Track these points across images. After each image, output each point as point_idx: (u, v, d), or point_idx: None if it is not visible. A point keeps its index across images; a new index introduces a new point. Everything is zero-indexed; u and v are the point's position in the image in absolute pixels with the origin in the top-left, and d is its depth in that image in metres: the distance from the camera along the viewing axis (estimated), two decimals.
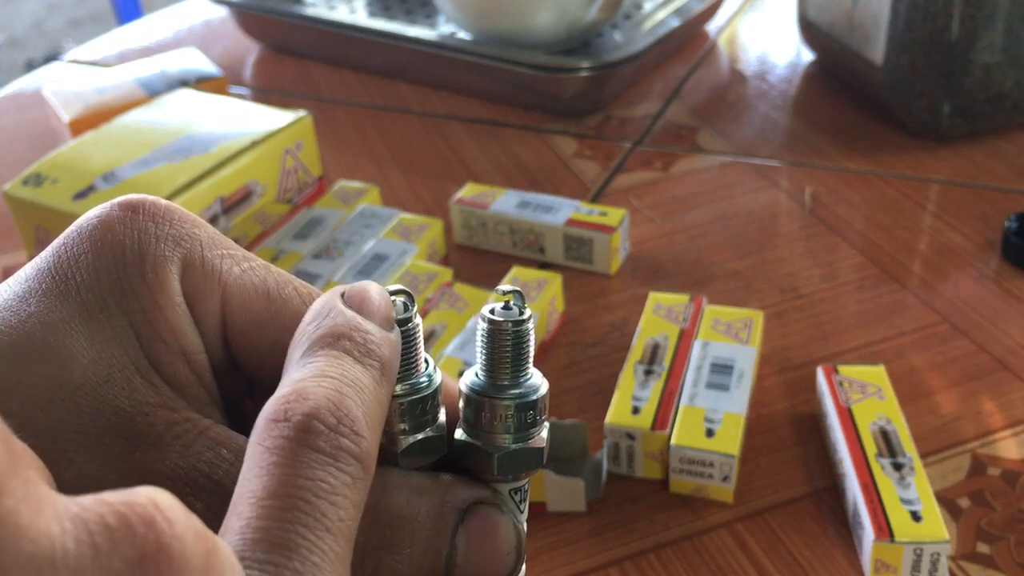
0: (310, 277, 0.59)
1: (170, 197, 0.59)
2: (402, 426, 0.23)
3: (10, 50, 3.00)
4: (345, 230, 0.63)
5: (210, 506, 0.21)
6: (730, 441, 0.47)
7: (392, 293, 0.24)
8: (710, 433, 0.48)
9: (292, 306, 0.25)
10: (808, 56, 0.90)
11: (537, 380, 0.24)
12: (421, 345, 0.24)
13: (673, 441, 0.47)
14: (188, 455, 0.22)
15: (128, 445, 0.22)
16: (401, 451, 0.23)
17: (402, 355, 0.23)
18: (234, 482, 0.21)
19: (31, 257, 0.63)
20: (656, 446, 0.48)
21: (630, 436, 0.48)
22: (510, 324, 0.23)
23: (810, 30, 0.85)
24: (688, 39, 0.94)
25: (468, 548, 0.23)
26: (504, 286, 0.24)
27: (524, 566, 0.24)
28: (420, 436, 0.23)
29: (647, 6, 0.92)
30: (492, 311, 0.24)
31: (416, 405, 0.23)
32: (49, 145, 0.77)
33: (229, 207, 0.62)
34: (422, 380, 0.24)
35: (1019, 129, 0.76)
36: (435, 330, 0.55)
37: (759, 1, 1.03)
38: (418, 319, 0.24)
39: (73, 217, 0.58)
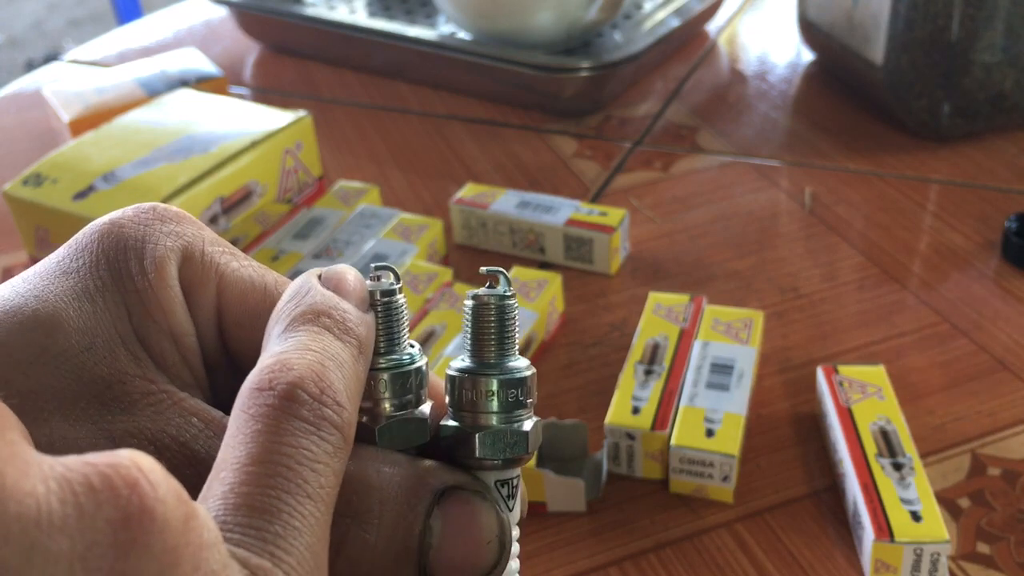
0: None
1: (170, 197, 0.59)
2: (383, 401, 0.23)
3: (10, 50, 3.00)
4: (345, 230, 0.63)
5: (175, 466, 0.22)
6: (730, 441, 0.47)
7: (377, 268, 0.24)
8: (710, 433, 0.48)
9: None
10: (808, 56, 0.90)
11: (523, 364, 0.24)
12: (406, 321, 0.24)
13: (673, 441, 0.48)
14: (158, 420, 0.22)
15: (102, 408, 0.22)
16: (379, 427, 0.23)
17: (386, 328, 0.24)
18: (202, 446, 0.22)
19: (31, 257, 0.63)
20: (656, 446, 0.48)
21: (630, 436, 0.48)
22: (494, 299, 0.24)
23: (810, 30, 0.85)
24: (688, 39, 0.94)
25: (444, 531, 0.22)
26: (488, 267, 0.24)
27: (518, 563, 0.24)
28: (399, 415, 0.23)
29: (647, 6, 0.92)
30: (477, 291, 0.24)
31: (397, 380, 0.23)
32: (49, 145, 0.77)
33: (229, 207, 0.62)
34: (404, 356, 0.24)
35: (1019, 129, 0.76)
36: (435, 330, 0.55)
37: (759, 1, 1.03)
38: (402, 296, 0.24)
39: (73, 217, 0.58)
